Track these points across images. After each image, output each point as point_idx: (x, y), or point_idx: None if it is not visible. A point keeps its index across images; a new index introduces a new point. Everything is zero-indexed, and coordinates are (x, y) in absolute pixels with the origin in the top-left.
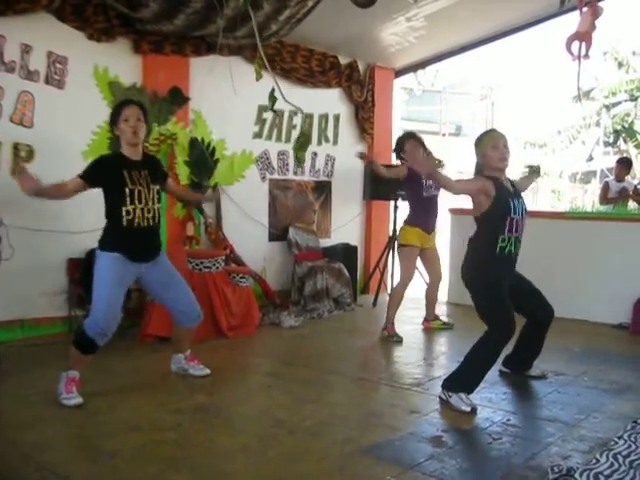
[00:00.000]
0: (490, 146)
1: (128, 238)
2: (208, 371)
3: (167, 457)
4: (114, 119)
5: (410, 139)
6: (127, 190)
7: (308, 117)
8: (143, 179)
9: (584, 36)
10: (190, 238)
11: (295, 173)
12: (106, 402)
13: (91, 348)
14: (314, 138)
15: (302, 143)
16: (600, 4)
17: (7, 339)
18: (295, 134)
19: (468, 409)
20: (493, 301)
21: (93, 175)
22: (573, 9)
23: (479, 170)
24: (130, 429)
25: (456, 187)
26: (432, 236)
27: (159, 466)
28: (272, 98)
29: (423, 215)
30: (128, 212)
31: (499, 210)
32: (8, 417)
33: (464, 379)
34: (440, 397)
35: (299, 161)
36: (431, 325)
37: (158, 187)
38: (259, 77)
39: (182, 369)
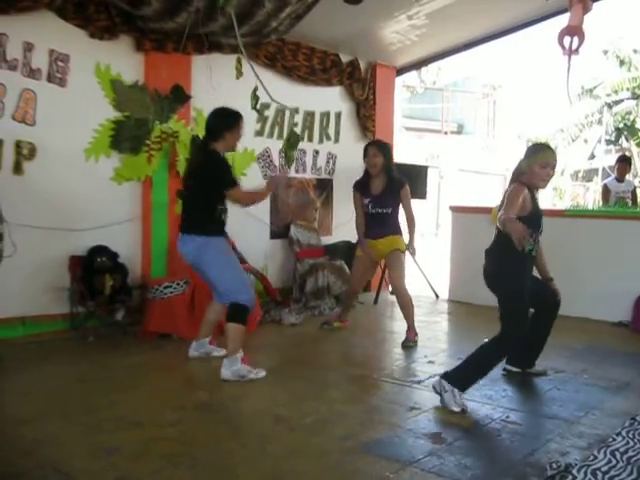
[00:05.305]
0: (540, 164)
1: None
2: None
3: (167, 454)
4: (232, 126)
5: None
6: None
7: (309, 115)
8: None
9: (576, 30)
10: None
11: (297, 171)
12: (107, 399)
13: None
14: (316, 136)
15: (292, 143)
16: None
17: (8, 336)
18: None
19: (457, 409)
20: (519, 304)
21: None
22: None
23: (519, 172)
24: (131, 426)
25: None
26: (383, 241)
27: (159, 462)
28: (254, 97)
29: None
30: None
31: (531, 225)
32: (9, 413)
33: (465, 375)
34: (434, 387)
35: (289, 160)
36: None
37: None
38: (239, 75)
39: (206, 353)
